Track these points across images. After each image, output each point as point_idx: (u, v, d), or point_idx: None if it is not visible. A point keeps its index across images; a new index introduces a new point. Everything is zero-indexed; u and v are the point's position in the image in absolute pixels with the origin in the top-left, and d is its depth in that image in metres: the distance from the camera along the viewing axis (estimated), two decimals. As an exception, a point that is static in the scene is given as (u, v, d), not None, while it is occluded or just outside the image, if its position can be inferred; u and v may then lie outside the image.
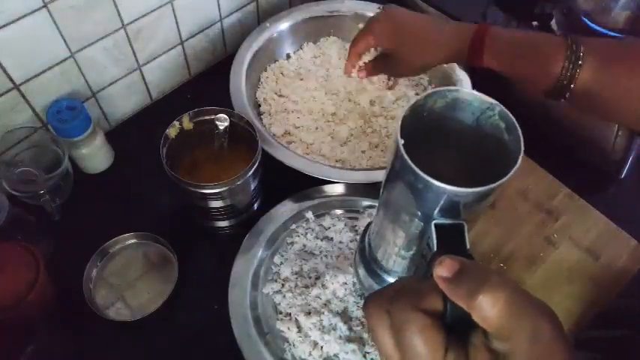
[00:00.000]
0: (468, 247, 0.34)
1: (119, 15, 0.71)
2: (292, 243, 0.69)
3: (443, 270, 0.30)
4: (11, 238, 0.62)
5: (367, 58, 0.76)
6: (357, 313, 0.63)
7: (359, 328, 0.61)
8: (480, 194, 0.31)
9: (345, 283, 0.63)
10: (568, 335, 0.29)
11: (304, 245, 0.69)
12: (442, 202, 0.32)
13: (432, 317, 0.30)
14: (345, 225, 0.70)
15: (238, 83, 0.79)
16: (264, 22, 0.86)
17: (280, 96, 0.84)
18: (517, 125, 0.33)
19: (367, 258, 0.48)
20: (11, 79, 0.65)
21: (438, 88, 0.35)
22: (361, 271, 0.50)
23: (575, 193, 0.76)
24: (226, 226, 0.72)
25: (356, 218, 0.72)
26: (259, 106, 0.83)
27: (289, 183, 0.72)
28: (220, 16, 0.86)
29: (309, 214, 0.71)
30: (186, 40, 0.84)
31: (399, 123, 0.32)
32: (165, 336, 0.64)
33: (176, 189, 0.64)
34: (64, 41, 0.67)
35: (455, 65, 0.82)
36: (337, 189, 0.73)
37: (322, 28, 0.91)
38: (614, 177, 0.81)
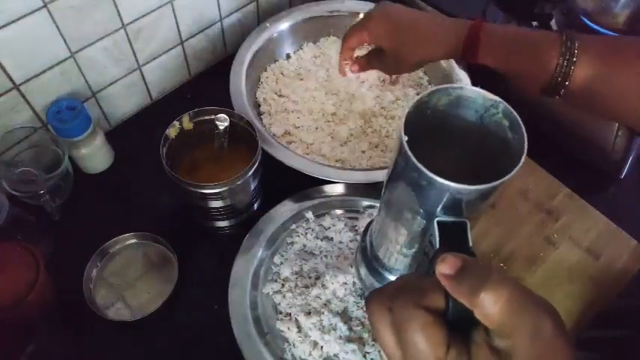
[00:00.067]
0: (471, 244, 0.34)
1: (119, 15, 0.71)
2: (292, 243, 0.69)
3: (445, 267, 0.30)
4: (11, 238, 0.62)
5: (360, 53, 0.76)
6: (357, 313, 0.62)
7: (359, 328, 0.61)
8: (483, 192, 0.31)
9: (345, 283, 0.63)
10: (569, 332, 0.29)
11: (304, 245, 0.69)
12: (445, 200, 0.32)
13: (433, 314, 0.30)
14: (345, 225, 0.70)
15: (238, 83, 0.79)
16: (264, 22, 0.86)
17: (280, 96, 0.84)
18: (521, 123, 0.33)
19: (369, 256, 0.48)
20: (11, 79, 0.65)
21: (442, 86, 0.34)
22: (362, 270, 0.50)
23: (575, 193, 0.76)
24: (226, 226, 0.72)
25: (356, 218, 0.72)
26: (259, 106, 0.83)
27: (289, 183, 0.72)
28: (220, 16, 0.86)
29: (309, 214, 0.71)
30: (186, 40, 0.84)
31: (403, 120, 0.32)
32: (165, 336, 0.64)
33: (176, 189, 0.64)
34: (64, 41, 0.67)
35: (454, 64, 0.82)
36: (337, 189, 0.73)
37: (322, 28, 0.91)
38: (614, 177, 0.81)
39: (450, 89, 0.34)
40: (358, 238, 0.68)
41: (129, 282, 0.67)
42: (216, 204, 0.66)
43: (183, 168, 0.69)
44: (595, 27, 0.73)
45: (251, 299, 0.64)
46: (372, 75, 0.86)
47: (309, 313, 0.62)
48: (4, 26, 0.60)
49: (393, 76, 0.85)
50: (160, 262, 0.69)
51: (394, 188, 0.37)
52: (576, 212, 0.75)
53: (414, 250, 0.41)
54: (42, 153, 0.69)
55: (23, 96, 0.68)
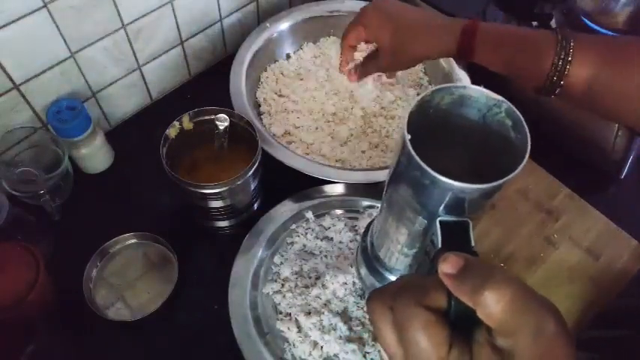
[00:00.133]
0: (473, 244, 0.33)
1: (119, 15, 0.71)
2: (292, 243, 0.69)
3: (448, 266, 0.30)
4: (11, 238, 0.62)
5: (361, 54, 0.76)
6: (357, 313, 0.62)
7: (359, 328, 0.61)
8: (486, 191, 0.31)
9: (345, 283, 0.63)
10: (571, 331, 0.29)
11: (304, 245, 0.69)
12: (447, 199, 0.32)
13: (435, 314, 0.30)
14: (345, 225, 0.70)
15: (238, 83, 0.79)
16: (264, 22, 0.86)
17: (280, 96, 0.84)
18: (524, 122, 0.32)
19: (369, 256, 0.48)
20: (11, 79, 0.65)
21: (445, 85, 0.34)
22: (363, 270, 0.50)
23: (575, 193, 0.76)
24: (226, 226, 0.72)
25: (356, 218, 0.72)
26: (259, 106, 0.83)
27: (289, 183, 0.72)
28: (220, 16, 0.86)
29: (309, 214, 0.71)
30: (186, 40, 0.84)
31: (406, 118, 0.32)
32: (165, 336, 0.64)
33: (176, 189, 0.64)
34: (64, 41, 0.67)
35: (454, 64, 0.82)
36: (337, 189, 0.73)
37: (322, 28, 0.91)
38: (614, 177, 0.81)
39: (453, 88, 0.34)
40: (358, 238, 0.68)
41: (129, 282, 0.67)
42: (216, 204, 0.66)
43: (183, 168, 0.69)
44: (595, 27, 0.73)
45: (251, 299, 0.64)
46: (372, 75, 0.86)
47: (309, 313, 0.62)
48: (4, 26, 0.60)
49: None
50: (160, 262, 0.69)
51: (396, 188, 0.37)
52: (576, 212, 0.75)
53: (415, 250, 0.41)
54: (42, 153, 0.69)
55: (23, 96, 0.68)
